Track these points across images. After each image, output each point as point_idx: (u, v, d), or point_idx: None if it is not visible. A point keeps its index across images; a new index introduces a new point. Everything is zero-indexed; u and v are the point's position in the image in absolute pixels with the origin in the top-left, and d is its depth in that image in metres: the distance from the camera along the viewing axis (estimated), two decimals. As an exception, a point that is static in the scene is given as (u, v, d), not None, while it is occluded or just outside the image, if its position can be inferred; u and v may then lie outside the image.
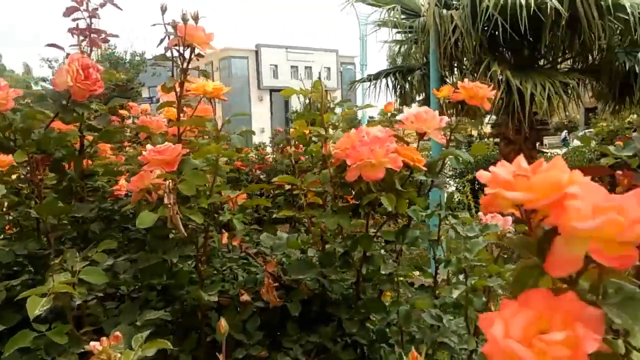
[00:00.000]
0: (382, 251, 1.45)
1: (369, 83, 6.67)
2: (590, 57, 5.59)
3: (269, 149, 6.84)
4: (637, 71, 5.10)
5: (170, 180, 0.97)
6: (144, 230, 1.22)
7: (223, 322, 0.78)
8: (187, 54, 1.25)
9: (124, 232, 1.35)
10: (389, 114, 1.35)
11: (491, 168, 0.54)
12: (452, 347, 1.10)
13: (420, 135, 1.18)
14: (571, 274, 0.55)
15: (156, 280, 1.16)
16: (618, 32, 5.23)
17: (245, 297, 1.23)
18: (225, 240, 1.12)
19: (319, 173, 1.21)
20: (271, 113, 28.17)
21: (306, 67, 29.83)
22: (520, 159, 0.54)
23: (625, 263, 0.47)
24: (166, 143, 1.04)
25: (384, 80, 6.56)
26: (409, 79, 6.40)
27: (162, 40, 1.25)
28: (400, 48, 6.96)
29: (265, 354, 1.20)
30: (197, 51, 1.24)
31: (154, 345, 0.84)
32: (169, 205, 0.93)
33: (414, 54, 6.75)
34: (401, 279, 1.24)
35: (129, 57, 20.04)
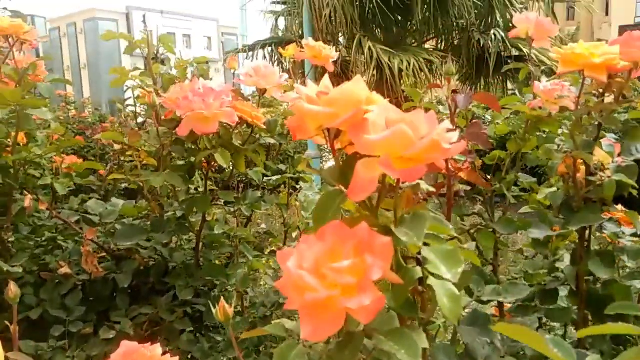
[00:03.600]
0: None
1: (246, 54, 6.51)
2: (451, 38, 6.10)
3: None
4: (490, 47, 5.70)
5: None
6: None
7: (12, 286, 0.67)
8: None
9: None
10: (234, 71, 1.28)
11: (296, 86, 0.52)
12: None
13: (261, 92, 1.13)
14: (372, 202, 0.55)
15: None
16: (475, 13, 5.78)
17: (65, 270, 1.09)
18: (28, 203, 0.97)
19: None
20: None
21: (184, 35, 27.93)
22: (325, 78, 0.52)
23: (413, 176, 0.47)
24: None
25: (260, 51, 6.43)
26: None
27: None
28: (277, 20, 6.88)
29: (90, 331, 1.08)
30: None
31: None
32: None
33: (290, 26, 6.75)
34: (242, 241, 1.19)
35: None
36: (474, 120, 0.88)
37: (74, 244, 1.29)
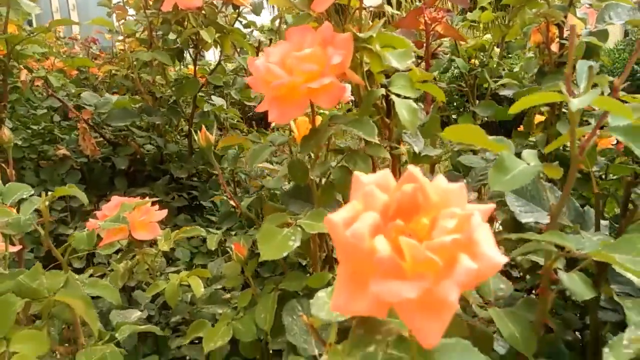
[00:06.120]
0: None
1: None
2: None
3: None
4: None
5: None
6: None
7: (5, 130, 0.72)
8: None
9: None
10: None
11: None
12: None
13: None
14: (336, 16, 0.58)
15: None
16: None
17: (63, 151, 1.15)
18: (23, 77, 1.00)
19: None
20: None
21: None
22: None
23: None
24: None
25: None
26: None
27: None
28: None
29: (90, 208, 1.15)
30: None
31: None
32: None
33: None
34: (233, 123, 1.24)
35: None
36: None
37: (70, 137, 1.34)
